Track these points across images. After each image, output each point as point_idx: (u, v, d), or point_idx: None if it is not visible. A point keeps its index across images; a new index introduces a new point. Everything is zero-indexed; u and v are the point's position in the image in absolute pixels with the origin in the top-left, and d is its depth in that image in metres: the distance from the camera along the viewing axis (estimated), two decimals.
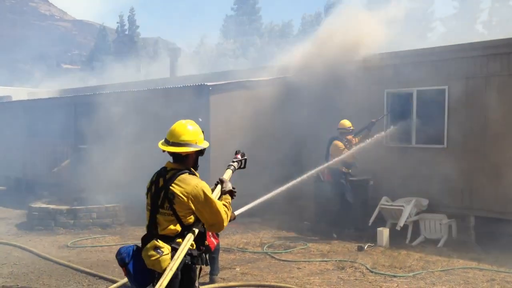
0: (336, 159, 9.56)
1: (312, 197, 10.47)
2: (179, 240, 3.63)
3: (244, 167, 4.27)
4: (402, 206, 9.48)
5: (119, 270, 7.43)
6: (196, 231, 3.70)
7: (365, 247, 8.63)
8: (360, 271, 7.31)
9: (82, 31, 79.97)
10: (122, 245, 3.99)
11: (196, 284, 3.79)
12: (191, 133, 3.85)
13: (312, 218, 10.31)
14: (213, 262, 6.74)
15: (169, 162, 3.89)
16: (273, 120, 11.09)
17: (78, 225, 10.58)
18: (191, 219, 3.69)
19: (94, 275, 7.09)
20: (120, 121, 12.53)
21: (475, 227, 9.24)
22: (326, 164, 9.61)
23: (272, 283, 6.66)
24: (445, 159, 9.61)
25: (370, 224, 9.73)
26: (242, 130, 10.17)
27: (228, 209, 3.83)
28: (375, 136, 9.92)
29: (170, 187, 3.67)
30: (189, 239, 3.62)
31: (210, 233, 6.23)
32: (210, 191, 3.77)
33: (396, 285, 6.64)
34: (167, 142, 3.85)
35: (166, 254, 3.55)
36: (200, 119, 9.78)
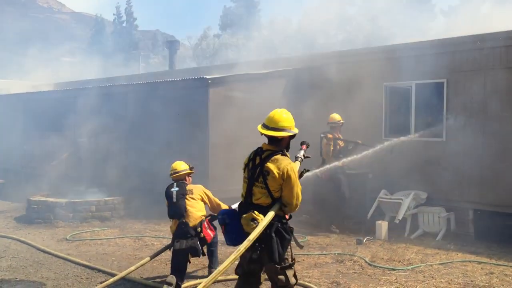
0: (328, 166, 9.55)
1: (310, 191, 10.47)
2: None
3: (308, 156, 4.84)
4: (401, 199, 9.48)
5: (117, 263, 7.46)
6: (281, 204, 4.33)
7: (364, 240, 8.64)
8: (359, 264, 7.32)
9: (80, 23, 79.67)
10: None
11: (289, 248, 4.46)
12: (287, 119, 4.45)
13: (311, 212, 10.31)
14: (212, 255, 6.75)
15: (265, 143, 4.51)
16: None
17: (77, 218, 10.58)
18: (278, 193, 4.33)
19: (93, 268, 7.09)
20: (118, 114, 12.51)
21: (474, 220, 9.25)
22: (325, 167, 9.59)
23: None
24: (444, 152, 9.61)
25: (369, 217, 9.74)
26: (242, 124, 10.14)
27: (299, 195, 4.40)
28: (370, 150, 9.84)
29: (266, 164, 4.31)
30: (276, 211, 4.29)
31: (206, 225, 6.27)
32: (297, 172, 4.37)
33: (395, 278, 6.65)
34: (266, 127, 4.43)
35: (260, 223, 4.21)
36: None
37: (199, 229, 6.25)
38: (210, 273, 6.70)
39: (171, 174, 6.62)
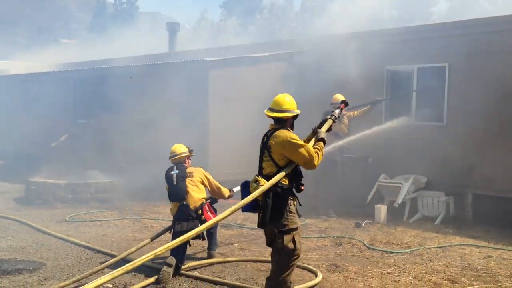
0: (330, 147, 9.49)
1: (310, 174, 10.46)
2: None
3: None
4: (401, 183, 9.49)
5: (117, 244, 7.48)
6: (288, 171, 4.75)
7: (363, 224, 8.67)
8: (357, 247, 7.35)
9: (80, 4, 78.93)
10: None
11: (291, 210, 4.80)
12: (289, 102, 4.99)
13: (310, 195, 10.30)
14: (211, 237, 6.76)
15: (271, 124, 5.03)
16: (274, 96, 11.01)
17: (77, 200, 10.60)
18: (283, 161, 4.78)
19: (92, 249, 7.11)
20: (118, 96, 12.45)
21: (473, 204, 9.27)
22: (339, 144, 9.50)
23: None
24: (444, 137, 9.60)
25: (368, 201, 9.76)
26: (242, 106, 10.10)
27: (319, 151, 4.85)
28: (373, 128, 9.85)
29: (269, 141, 4.85)
30: (279, 176, 4.69)
31: (207, 208, 6.28)
32: (297, 138, 4.80)
33: (393, 261, 6.67)
34: (272, 110, 4.96)
35: (261, 185, 4.67)
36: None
37: (200, 211, 6.25)
38: (209, 255, 6.73)
39: (171, 157, 6.60)
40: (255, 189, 4.69)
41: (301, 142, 4.79)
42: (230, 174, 9.55)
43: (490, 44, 8.97)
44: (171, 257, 5.93)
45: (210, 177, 6.66)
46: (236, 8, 48.18)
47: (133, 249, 6.27)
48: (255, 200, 4.70)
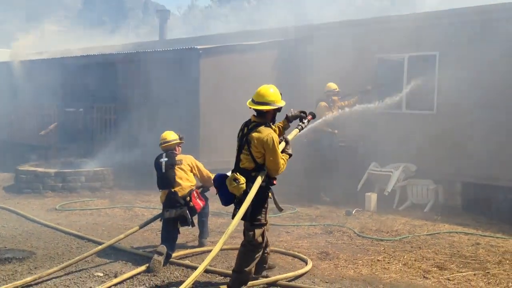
0: (318, 121, 9.46)
1: (299, 160, 10.48)
2: (254, 173, 4.88)
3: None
4: (391, 171, 9.54)
5: (107, 233, 7.47)
6: (266, 171, 4.89)
7: (353, 212, 8.72)
8: (348, 235, 7.40)
9: None
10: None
11: (265, 206, 5.04)
12: (272, 94, 4.94)
13: (301, 183, 10.34)
14: (202, 225, 6.77)
15: (253, 115, 5.02)
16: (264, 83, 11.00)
17: (67, 189, 10.54)
18: (261, 159, 4.88)
19: (83, 238, 7.09)
20: (108, 84, 12.35)
21: (462, 192, 9.35)
22: (310, 125, 9.52)
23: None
24: (434, 125, 9.65)
25: (358, 189, 9.81)
26: (234, 95, 10.05)
27: (285, 164, 4.96)
28: (364, 105, 9.91)
29: (250, 134, 4.87)
30: (259, 181, 4.81)
31: (195, 195, 6.28)
32: (278, 142, 4.89)
33: (383, 248, 6.73)
34: (253, 101, 4.94)
35: (241, 184, 4.82)
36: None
37: (188, 198, 6.24)
38: (200, 243, 6.74)
39: (161, 144, 6.57)
40: (235, 188, 4.84)
41: (278, 149, 4.88)
42: (221, 163, 9.53)
43: (481, 32, 8.99)
44: (162, 245, 5.93)
45: (201, 165, 6.64)
46: None
47: (122, 236, 6.25)
48: (229, 194, 4.95)
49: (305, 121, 5.36)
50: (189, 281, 4.58)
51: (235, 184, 4.84)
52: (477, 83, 9.04)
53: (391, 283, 5.50)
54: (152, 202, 9.62)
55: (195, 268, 5.83)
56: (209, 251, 6.45)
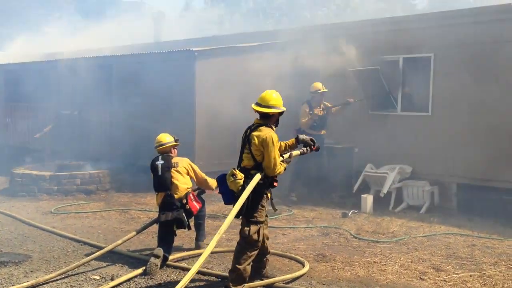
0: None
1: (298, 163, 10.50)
2: (253, 171, 5.04)
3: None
4: (386, 173, 9.57)
5: (103, 236, 7.44)
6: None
7: (349, 214, 8.73)
8: (344, 237, 7.41)
9: None
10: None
11: (262, 204, 5.14)
12: (276, 99, 5.17)
13: (297, 185, 10.35)
14: (199, 228, 6.76)
15: (257, 118, 5.24)
16: (263, 87, 10.99)
17: (62, 192, 10.50)
18: (260, 157, 5.05)
19: (78, 241, 7.06)
20: (103, 86, 12.32)
21: (457, 194, 9.39)
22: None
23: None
24: (429, 127, 9.69)
25: (354, 191, 9.83)
26: (229, 97, 10.05)
27: (282, 166, 5.13)
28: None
29: (251, 133, 5.08)
30: (257, 178, 4.96)
31: (192, 197, 6.29)
32: (276, 142, 5.05)
33: (380, 250, 6.74)
34: (258, 105, 5.15)
35: (239, 179, 4.97)
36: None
37: (184, 200, 6.24)
38: (197, 246, 6.74)
39: (156, 147, 6.56)
40: (232, 182, 5.01)
41: (276, 149, 5.05)
42: (217, 165, 9.54)
43: (476, 34, 9.03)
44: (158, 248, 5.92)
45: (196, 168, 6.64)
46: None
47: (119, 241, 6.24)
48: (232, 192, 5.05)
49: (309, 148, 5.48)
50: (184, 281, 4.56)
51: (232, 179, 5.00)
52: (472, 85, 9.09)
53: (388, 284, 5.51)
54: (148, 205, 9.60)
55: None
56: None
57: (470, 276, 5.76)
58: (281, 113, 5.24)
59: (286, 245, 7.00)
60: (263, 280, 5.40)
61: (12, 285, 5.30)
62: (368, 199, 9.10)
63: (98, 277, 5.63)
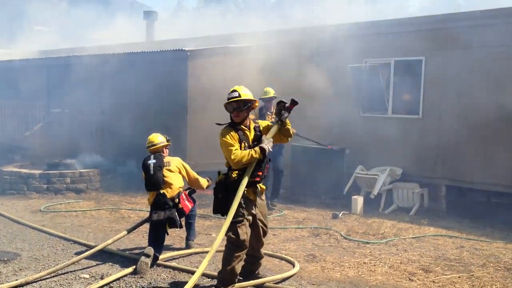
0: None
1: (289, 165, 10.53)
2: (230, 170, 5.03)
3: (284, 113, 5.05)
4: (377, 175, 9.63)
5: (93, 234, 7.41)
6: (249, 171, 4.93)
7: (340, 215, 8.77)
8: (334, 238, 7.44)
9: None
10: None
11: (240, 202, 4.91)
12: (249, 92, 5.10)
13: (288, 186, 10.38)
14: (189, 227, 6.76)
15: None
16: (255, 88, 10.99)
17: (52, 190, 10.44)
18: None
19: (68, 240, 7.02)
20: (94, 85, 12.27)
21: (447, 196, 9.47)
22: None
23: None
24: (419, 129, 9.77)
25: (345, 192, 9.88)
26: (221, 97, 10.02)
27: (244, 156, 4.88)
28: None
29: None
30: (245, 182, 4.86)
31: (184, 197, 6.27)
32: (229, 138, 4.94)
33: (369, 251, 6.78)
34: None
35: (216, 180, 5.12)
36: None
37: (176, 200, 6.23)
38: (187, 245, 6.73)
39: (148, 147, 6.54)
40: (220, 178, 5.08)
41: (227, 141, 4.93)
42: (208, 165, 9.53)
43: (466, 38, 9.12)
44: (149, 247, 5.90)
45: (188, 168, 6.63)
46: None
47: (110, 241, 6.21)
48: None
49: (285, 114, 5.01)
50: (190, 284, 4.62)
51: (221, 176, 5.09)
52: (462, 88, 9.18)
53: (377, 285, 5.54)
54: (138, 204, 9.57)
55: (182, 270, 5.84)
56: (196, 253, 6.52)
57: (459, 277, 5.81)
58: (229, 106, 5.05)
59: (277, 245, 7.01)
60: (253, 280, 5.40)
61: (1, 283, 5.27)
62: (358, 201, 9.15)
63: (88, 276, 5.60)
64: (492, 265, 6.28)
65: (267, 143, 4.97)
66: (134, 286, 5.33)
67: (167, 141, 6.64)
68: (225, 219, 4.89)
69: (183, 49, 10.85)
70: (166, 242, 6.45)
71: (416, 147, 9.68)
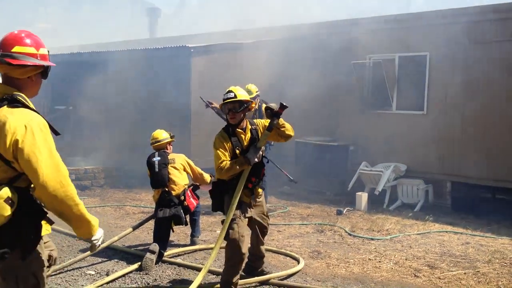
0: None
1: (293, 162, 10.53)
2: None
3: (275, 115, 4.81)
4: (381, 171, 9.61)
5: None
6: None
7: (344, 211, 8.76)
8: (339, 234, 7.43)
9: None
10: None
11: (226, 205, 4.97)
12: (245, 93, 4.94)
13: (291, 183, 10.36)
14: (194, 224, 6.76)
15: None
16: (258, 85, 10.99)
17: None
18: None
19: (74, 236, 7.02)
20: (98, 82, 12.27)
21: (451, 192, 9.45)
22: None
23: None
24: (424, 125, 9.74)
25: (349, 188, 9.87)
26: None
27: (232, 169, 4.76)
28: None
29: None
30: (239, 189, 4.78)
31: (189, 194, 6.27)
32: (217, 145, 4.91)
33: (374, 247, 6.77)
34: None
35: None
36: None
37: (182, 197, 6.23)
38: (192, 242, 6.74)
39: (152, 143, 6.55)
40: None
41: (216, 152, 4.87)
42: (212, 161, 9.52)
43: (471, 33, 9.08)
44: (154, 243, 5.91)
45: (192, 164, 6.64)
46: None
47: (116, 238, 6.22)
48: None
49: (275, 120, 4.78)
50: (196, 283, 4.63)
51: None
52: (467, 84, 9.14)
53: (383, 281, 5.54)
54: (143, 201, 9.59)
55: (187, 266, 5.85)
56: (201, 249, 6.53)
57: (465, 273, 5.80)
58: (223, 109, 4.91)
59: (281, 242, 7.01)
60: (258, 276, 5.41)
61: None
62: (363, 197, 9.14)
63: (93, 272, 5.62)
64: (498, 261, 6.26)
65: (253, 153, 4.76)
66: (139, 283, 5.35)
67: (171, 137, 6.64)
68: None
69: (187, 45, 10.84)
70: (171, 239, 6.46)
71: (421, 143, 9.65)
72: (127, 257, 6.15)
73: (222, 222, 4.88)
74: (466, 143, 9.14)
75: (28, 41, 2.79)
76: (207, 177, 6.65)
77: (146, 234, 7.20)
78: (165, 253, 6.07)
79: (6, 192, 2.57)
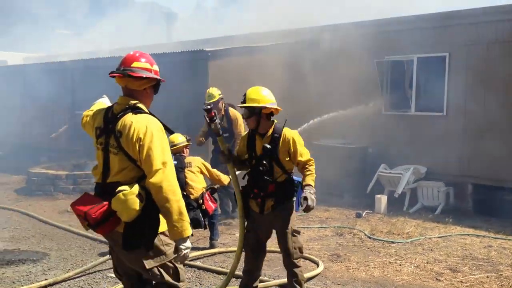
0: None
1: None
2: None
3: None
4: (400, 173, 9.52)
5: None
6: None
7: (363, 214, 8.71)
8: (358, 237, 7.39)
9: None
10: None
11: None
12: (262, 95, 4.74)
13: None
14: (212, 227, 6.80)
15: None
16: (276, 88, 11.00)
17: (78, 191, 10.59)
18: None
19: (95, 239, 7.13)
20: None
21: (473, 194, 9.31)
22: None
23: (272, 248, 6.71)
24: (444, 127, 9.63)
25: (368, 191, 9.80)
26: (242, 96, 10.05)
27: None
28: None
29: None
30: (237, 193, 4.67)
31: (207, 197, 6.30)
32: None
33: (394, 250, 6.72)
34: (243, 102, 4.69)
35: None
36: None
37: (200, 201, 6.27)
38: (211, 245, 6.77)
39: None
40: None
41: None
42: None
43: (490, 33, 8.97)
44: None
45: (209, 166, 6.68)
46: None
47: None
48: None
49: (212, 125, 4.59)
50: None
51: None
52: (487, 84, 9.02)
53: (404, 285, 5.49)
54: None
55: (207, 269, 5.88)
56: (221, 252, 6.55)
57: (487, 277, 5.72)
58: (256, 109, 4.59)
59: None
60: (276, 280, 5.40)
61: (31, 283, 5.38)
62: (382, 200, 9.07)
63: (114, 275, 5.67)
64: None
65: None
66: None
67: (187, 141, 6.68)
68: None
69: (204, 49, 10.89)
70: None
71: (441, 145, 9.54)
72: None
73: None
74: (487, 145, 9.00)
75: (143, 59, 3.51)
76: (225, 178, 6.67)
77: None
78: None
79: (137, 188, 3.12)
